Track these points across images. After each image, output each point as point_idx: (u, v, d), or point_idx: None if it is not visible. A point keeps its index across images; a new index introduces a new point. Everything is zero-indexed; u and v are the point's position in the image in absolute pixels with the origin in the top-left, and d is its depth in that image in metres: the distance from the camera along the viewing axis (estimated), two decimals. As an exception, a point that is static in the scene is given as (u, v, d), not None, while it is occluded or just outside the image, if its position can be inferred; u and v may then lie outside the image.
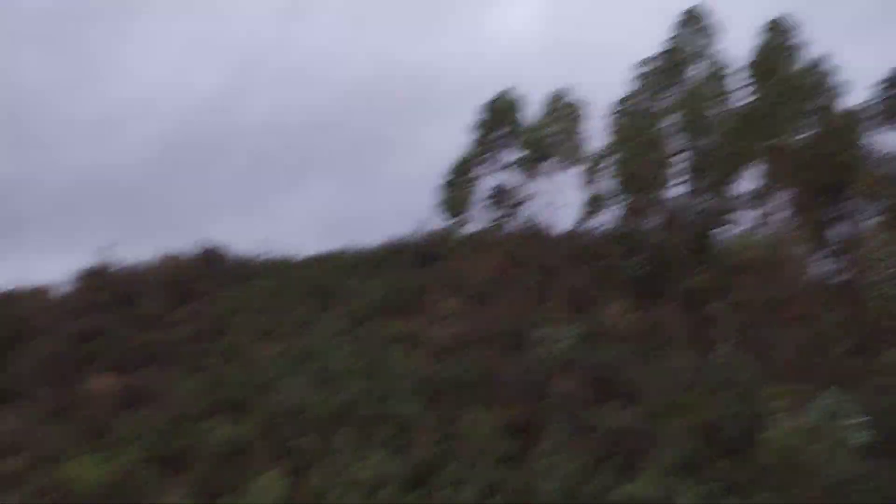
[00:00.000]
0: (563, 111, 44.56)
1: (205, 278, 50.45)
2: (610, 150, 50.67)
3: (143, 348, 42.42)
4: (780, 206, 48.98)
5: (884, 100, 50.09)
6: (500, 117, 44.62)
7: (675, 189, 50.94)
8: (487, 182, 46.20)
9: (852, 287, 49.69)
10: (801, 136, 46.98)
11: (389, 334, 44.39)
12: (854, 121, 48.28)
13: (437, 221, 47.22)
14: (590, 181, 51.49)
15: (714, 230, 49.81)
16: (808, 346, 43.97)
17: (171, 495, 31.99)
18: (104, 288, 48.31)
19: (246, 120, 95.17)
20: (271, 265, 54.18)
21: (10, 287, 48.56)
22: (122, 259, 50.93)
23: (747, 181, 49.41)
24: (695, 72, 49.48)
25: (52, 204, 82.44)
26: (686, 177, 50.63)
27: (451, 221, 45.59)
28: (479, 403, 38.62)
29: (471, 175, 45.24)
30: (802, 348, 43.54)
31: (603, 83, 51.94)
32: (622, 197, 51.64)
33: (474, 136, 45.41)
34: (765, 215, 50.01)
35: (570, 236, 56.00)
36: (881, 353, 44.25)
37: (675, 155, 49.80)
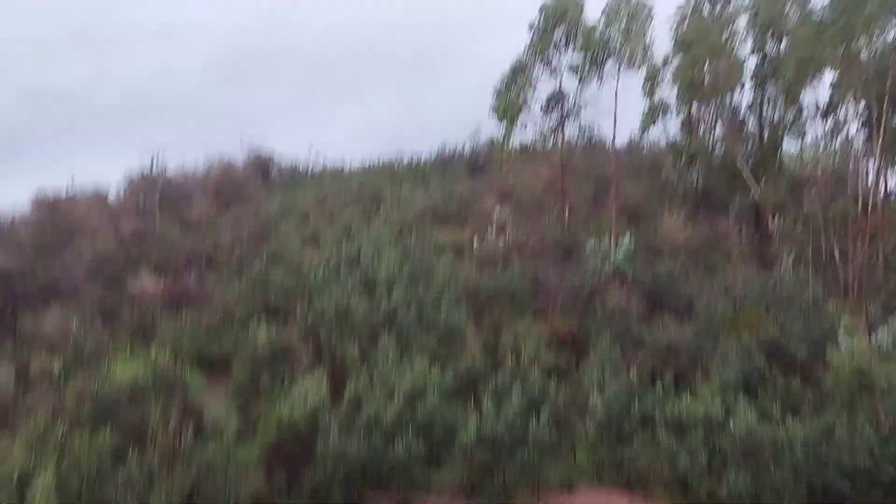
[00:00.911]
0: (626, 10, 40.78)
1: (252, 184, 48.80)
2: (673, 55, 46.97)
3: (188, 252, 41.03)
4: (852, 119, 45.11)
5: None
6: (558, 18, 41.10)
7: (741, 98, 47.35)
8: (543, 87, 42.94)
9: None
10: (878, 43, 42.59)
11: (437, 243, 42.34)
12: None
13: (490, 130, 44.47)
14: (651, 89, 47.96)
15: (780, 142, 46.23)
16: (874, 265, 40.96)
17: (212, 395, 30.65)
18: (153, 191, 46.95)
19: (303, 31, 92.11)
20: (320, 173, 52.29)
21: (66, 190, 47.47)
22: (173, 164, 49.57)
23: (818, 91, 45.60)
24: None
25: (110, 112, 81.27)
26: (753, 85, 46.92)
27: (505, 129, 42.65)
28: (526, 315, 36.61)
29: (526, 80, 42.05)
30: (869, 267, 40.54)
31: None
32: (684, 106, 48.19)
33: (531, 38, 42.00)
34: (835, 127, 46.23)
35: (629, 147, 52.93)
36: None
37: (742, 62, 45.91)
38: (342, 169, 52.59)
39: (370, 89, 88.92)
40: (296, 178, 51.35)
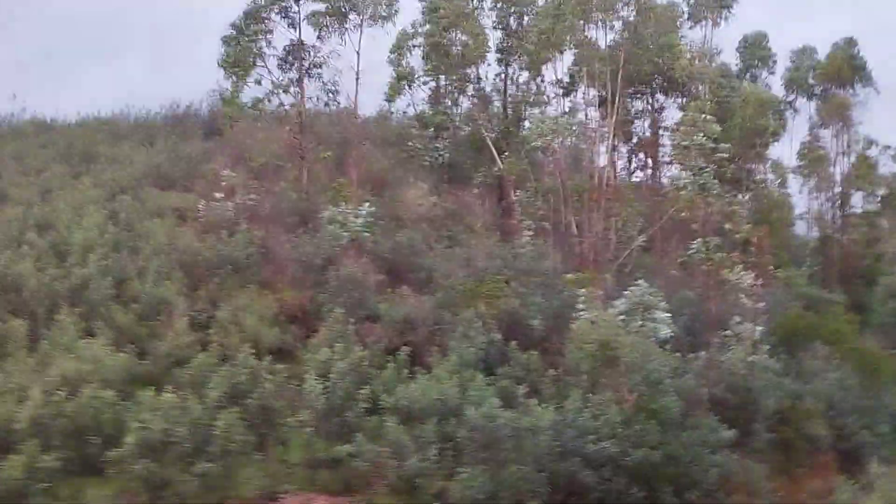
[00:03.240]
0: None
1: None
2: (422, 23, 41.64)
3: None
4: (589, 98, 42.32)
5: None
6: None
7: (487, 71, 43.08)
8: (280, 39, 35.67)
9: (654, 181, 44.53)
10: (614, 20, 39.95)
11: (155, 207, 33.93)
12: (668, 12, 41.89)
13: (222, 84, 36.29)
14: (399, 57, 42.43)
15: (523, 116, 42.44)
16: (608, 238, 38.32)
17: None
18: None
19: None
20: (23, 126, 41.57)
21: None
22: None
23: (559, 68, 42.33)
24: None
25: None
26: (498, 58, 42.79)
27: (235, 83, 34.94)
28: (252, 287, 29.63)
29: (260, 28, 34.64)
30: (603, 240, 37.80)
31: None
32: (432, 76, 43.07)
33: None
34: (574, 105, 43.31)
35: (377, 116, 47.17)
36: (678, 247, 39.42)
37: (487, 33, 41.59)
38: (52, 122, 42.22)
39: (128, 56, 75.39)
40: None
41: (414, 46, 42.23)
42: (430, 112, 43.57)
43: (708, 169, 33.49)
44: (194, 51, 75.91)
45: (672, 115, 43.90)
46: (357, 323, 27.32)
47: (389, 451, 19.11)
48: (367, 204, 34.31)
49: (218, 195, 34.72)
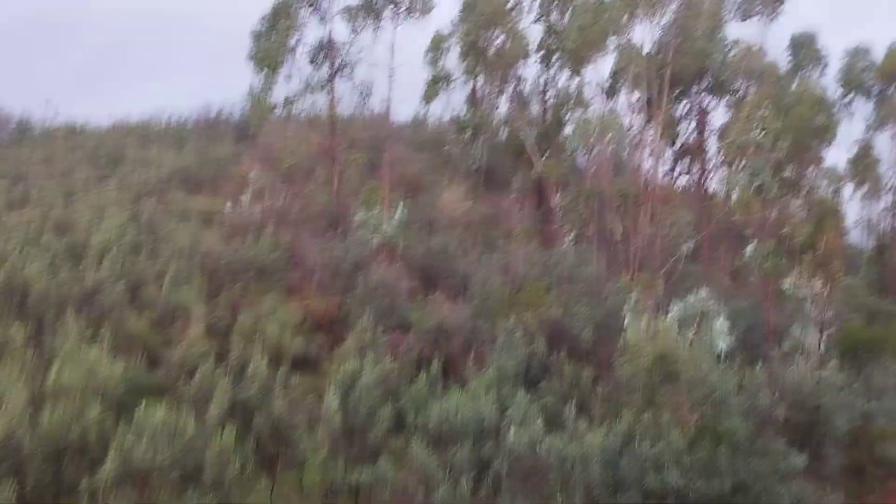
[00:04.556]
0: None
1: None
2: (459, 21, 38.80)
3: None
4: (633, 101, 38.95)
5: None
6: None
7: (526, 71, 40.01)
8: (311, 35, 33.07)
9: (702, 185, 41.02)
10: (659, 17, 36.70)
11: (180, 210, 31.66)
12: (714, 10, 38.49)
13: (252, 83, 33.72)
14: (435, 57, 39.64)
15: (564, 117, 39.26)
16: (657, 243, 34.94)
17: None
18: None
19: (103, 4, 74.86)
20: (56, 130, 39.69)
21: None
22: None
23: (601, 67, 39.06)
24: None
25: None
26: (538, 58, 39.73)
27: (264, 80, 32.42)
28: (276, 292, 27.02)
29: (291, 23, 32.11)
30: (650, 245, 34.45)
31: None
32: (469, 77, 40.16)
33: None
34: (616, 107, 39.99)
35: (413, 121, 44.53)
36: (727, 254, 36.00)
37: (527, 31, 38.59)
38: (83, 127, 40.32)
39: (180, 68, 73.40)
40: (25, 134, 38.52)
41: (450, 47, 39.42)
42: (467, 114, 40.71)
43: (765, 169, 30.02)
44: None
45: (719, 117, 40.51)
46: (387, 332, 24.56)
47: (417, 479, 16.12)
48: (401, 205, 31.57)
49: (245, 198, 32.42)
